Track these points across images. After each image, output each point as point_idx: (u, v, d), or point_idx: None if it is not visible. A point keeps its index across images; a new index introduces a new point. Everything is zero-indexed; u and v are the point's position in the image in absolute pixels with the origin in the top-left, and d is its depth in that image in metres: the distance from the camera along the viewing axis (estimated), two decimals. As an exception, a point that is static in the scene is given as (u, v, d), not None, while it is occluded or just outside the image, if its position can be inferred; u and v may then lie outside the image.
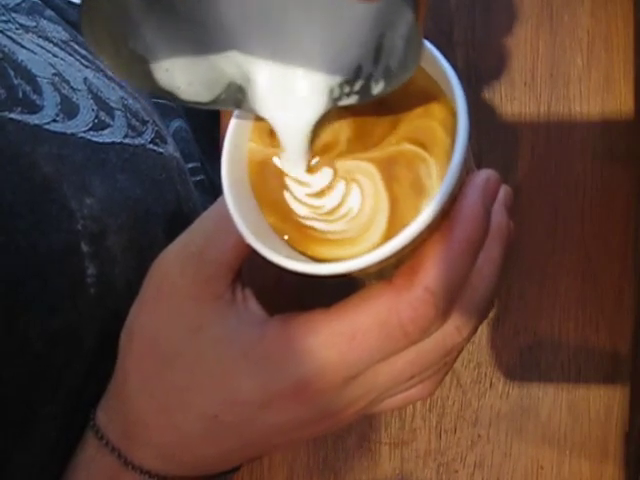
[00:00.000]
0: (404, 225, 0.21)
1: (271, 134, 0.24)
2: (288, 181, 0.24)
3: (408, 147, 0.22)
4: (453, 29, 0.37)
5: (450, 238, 0.22)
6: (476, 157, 0.37)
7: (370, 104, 0.23)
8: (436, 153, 0.22)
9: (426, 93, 0.23)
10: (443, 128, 0.22)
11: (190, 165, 0.46)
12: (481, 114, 0.37)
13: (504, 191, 0.25)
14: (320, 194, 0.23)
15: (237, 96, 0.22)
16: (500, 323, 0.37)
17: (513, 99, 0.37)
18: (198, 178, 0.48)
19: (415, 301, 0.22)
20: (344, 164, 0.23)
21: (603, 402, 0.36)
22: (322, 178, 0.23)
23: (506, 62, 0.37)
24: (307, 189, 0.23)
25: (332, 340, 0.23)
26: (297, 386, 0.24)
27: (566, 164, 0.37)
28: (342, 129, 0.23)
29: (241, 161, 0.24)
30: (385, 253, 0.21)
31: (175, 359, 0.25)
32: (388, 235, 0.22)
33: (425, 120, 0.23)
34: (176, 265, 0.26)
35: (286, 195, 0.24)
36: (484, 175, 0.23)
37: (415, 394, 0.27)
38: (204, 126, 0.55)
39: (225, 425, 0.26)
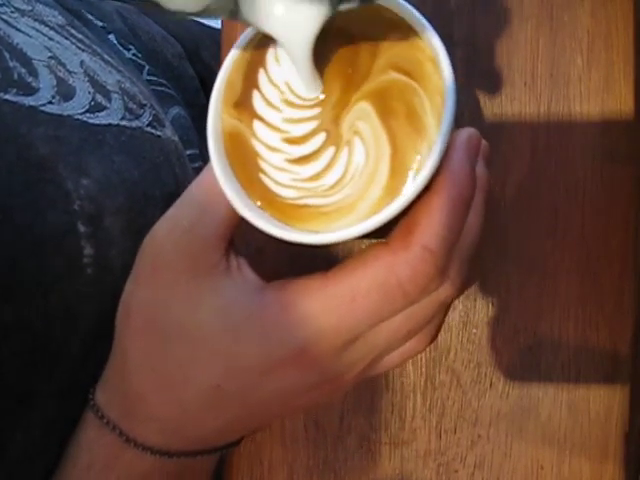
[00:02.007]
0: (406, 171, 0.21)
1: (236, 105, 0.24)
2: (265, 166, 0.23)
3: (395, 76, 0.22)
4: (453, 29, 0.37)
5: (443, 197, 0.22)
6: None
7: (347, 40, 0.23)
8: (426, 87, 0.22)
9: (407, 31, 0.23)
10: (432, 64, 0.22)
11: (189, 152, 0.46)
12: (481, 114, 0.37)
13: (482, 145, 0.26)
14: (321, 174, 0.23)
15: (229, 5, 0.21)
16: (500, 323, 0.37)
17: (513, 99, 0.37)
18: (197, 165, 0.48)
19: (413, 260, 0.22)
20: (339, 121, 0.23)
21: (603, 402, 0.36)
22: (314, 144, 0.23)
23: (506, 62, 0.37)
24: (304, 169, 0.23)
25: (332, 304, 0.23)
26: (298, 351, 0.24)
27: (566, 164, 0.37)
28: (329, 79, 0.23)
29: (220, 133, 0.24)
30: (384, 218, 0.21)
31: (174, 332, 0.26)
32: (390, 186, 0.22)
33: (408, 49, 0.23)
34: (168, 240, 0.26)
35: (265, 179, 0.23)
36: (466, 134, 0.23)
37: (411, 349, 0.27)
38: (203, 114, 0.55)
39: (228, 394, 0.26)
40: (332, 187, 0.22)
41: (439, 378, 0.38)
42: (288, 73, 0.24)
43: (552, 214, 0.37)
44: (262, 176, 0.23)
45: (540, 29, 0.37)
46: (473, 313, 0.38)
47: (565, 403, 0.37)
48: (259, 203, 0.23)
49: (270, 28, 0.21)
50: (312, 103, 0.23)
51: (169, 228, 0.26)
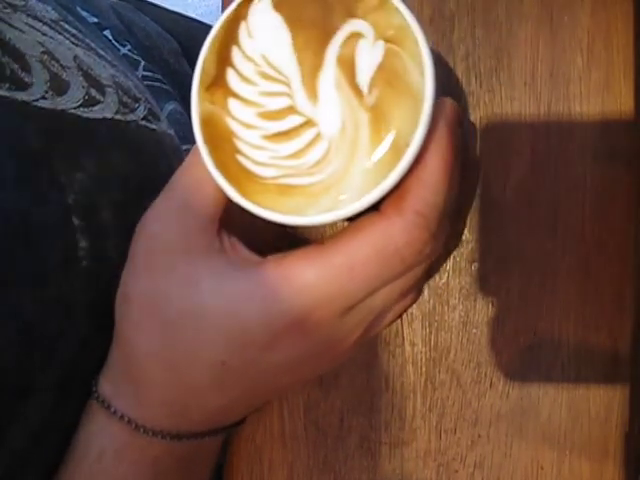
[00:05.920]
0: (388, 129, 0.22)
1: (208, 88, 0.24)
2: (242, 146, 0.23)
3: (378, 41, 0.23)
4: (453, 29, 0.37)
5: (432, 166, 0.23)
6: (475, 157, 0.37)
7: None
8: (407, 49, 0.22)
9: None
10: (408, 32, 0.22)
11: (185, 147, 0.47)
12: (481, 114, 0.37)
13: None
14: (303, 150, 0.23)
15: None
16: (500, 323, 0.37)
17: (513, 99, 0.37)
18: None
19: (408, 225, 0.23)
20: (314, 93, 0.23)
21: (603, 402, 0.36)
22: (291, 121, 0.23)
23: (506, 62, 0.37)
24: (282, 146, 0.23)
25: (331, 274, 0.24)
26: (298, 320, 0.24)
27: (566, 164, 0.37)
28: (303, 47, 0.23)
29: (198, 119, 0.24)
30: (381, 192, 0.22)
31: (176, 316, 0.26)
32: (374, 145, 0.22)
33: (384, 14, 0.22)
34: (161, 224, 0.26)
35: (241, 159, 0.23)
36: (442, 105, 0.24)
37: (403, 306, 0.29)
38: None
39: (233, 370, 0.26)
40: (317, 164, 0.22)
41: (439, 378, 0.38)
42: (264, 45, 0.24)
43: (552, 214, 0.37)
44: (239, 157, 0.23)
45: (540, 29, 0.37)
46: (473, 313, 0.38)
47: (565, 403, 0.37)
48: (235, 189, 0.23)
49: None
50: (288, 75, 0.23)
51: (160, 214, 0.26)
